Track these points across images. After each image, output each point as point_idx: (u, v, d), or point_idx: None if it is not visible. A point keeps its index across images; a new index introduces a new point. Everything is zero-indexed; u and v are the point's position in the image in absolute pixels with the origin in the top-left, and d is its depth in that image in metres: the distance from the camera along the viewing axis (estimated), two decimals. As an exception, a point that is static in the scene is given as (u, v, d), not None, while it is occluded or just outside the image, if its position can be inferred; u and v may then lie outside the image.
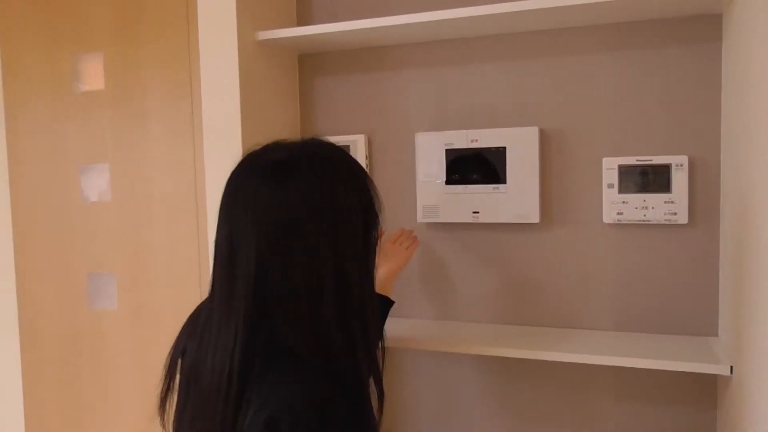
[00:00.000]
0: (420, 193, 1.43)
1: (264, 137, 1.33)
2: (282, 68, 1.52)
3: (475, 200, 1.38)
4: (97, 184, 1.80)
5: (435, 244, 1.47)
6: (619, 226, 1.33)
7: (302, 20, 1.55)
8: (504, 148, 1.36)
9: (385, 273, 1.30)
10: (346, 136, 1.50)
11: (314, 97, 1.57)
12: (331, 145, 0.88)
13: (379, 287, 1.27)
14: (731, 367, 1.13)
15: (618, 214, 1.31)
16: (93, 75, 1.82)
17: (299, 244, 0.79)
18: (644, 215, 1.29)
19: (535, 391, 1.42)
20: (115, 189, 1.78)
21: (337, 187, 0.82)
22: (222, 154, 1.37)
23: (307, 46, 1.50)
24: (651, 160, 1.28)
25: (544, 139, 1.37)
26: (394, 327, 1.42)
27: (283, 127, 1.52)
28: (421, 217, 1.44)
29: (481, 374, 1.46)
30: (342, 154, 0.88)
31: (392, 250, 1.34)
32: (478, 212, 1.38)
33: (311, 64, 1.57)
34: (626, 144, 1.32)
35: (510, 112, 1.40)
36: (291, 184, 0.80)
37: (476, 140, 1.38)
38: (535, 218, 1.35)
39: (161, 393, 0.92)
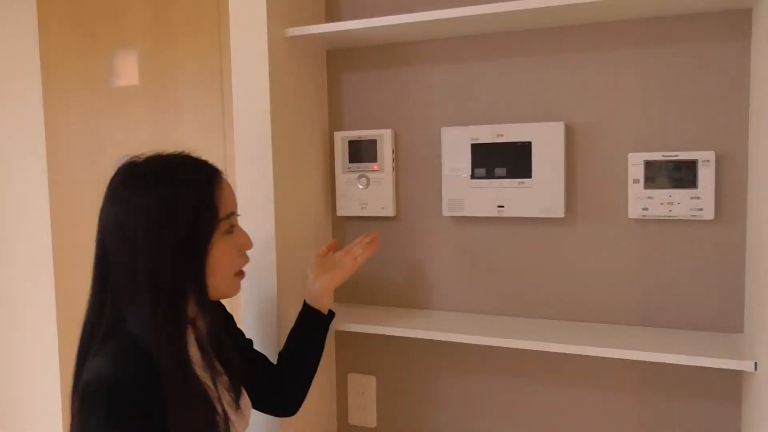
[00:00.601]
0: (445, 186, 1.45)
1: (293, 131, 1.38)
2: (310, 64, 1.55)
3: (500, 194, 1.40)
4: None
5: (460, 238, 1.49)
6: (644, 221, 1.33)
7: (331, 16, 1.58)
8: (530, 142, 1.37)
9: (321, 285, 1.31)
10: (373, 131, 1.53)
11: (342, 92, 1.59)
12: (180, 160, 1.04)
13: (314, 300, 1.32)
14: (755, 363, 1.13)
15: (643, 209, 1.31)
16: (128, 70, 1.87)
17: (121, 236, 0.97)
18: (670, 211, 1.29)
19: (556, 385, 1.43)
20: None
21: (160, 196, 0.98)
22: (252, 147, 1.40)
23: (335, 41, 1.52)
24: (677, 156, 1.28)
25: (570, 134, 1.38)
26: (424, 320, 1.45)
27: (312, 122, 1.54)
28: (446, 211, 1.46)
29: (502, 367, 1.48)
30: (178, 167, 1.03)
31: (334, 261, 1.35)
32: (503, 206, 1.40)
33: (339, 60, 1.59)
34: (652, 139, 1.32)
35: (536, 107, 1.41)
36: (132, 191, 0.99)
37: (502, 135, 1.39)
38: (560, 213, 1.36)
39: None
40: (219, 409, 1.02)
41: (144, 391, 0.92)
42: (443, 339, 1.35)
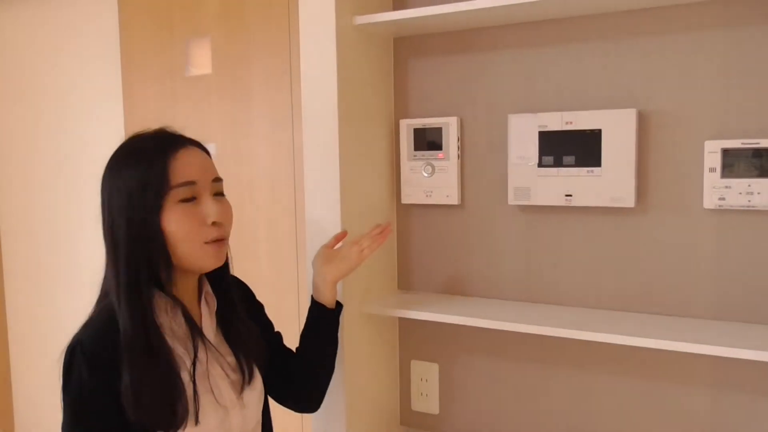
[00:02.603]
0: (512, 175, 1.43)
1: (359, 119, 1.39)
2: (378, 51, 1.55)
3: (568, 183, 1.37)
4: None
5: (526, 227, 1.47)
6: (720, 212, 1.28)
7: (398, 4, 1.58)
8: (599, 130, 1.33)
9: (323, 277, 1.29)
10: (439, 119, 1.52)
11: (408, 79, 1.60)
12: (146, 135, 1.10)
13: (317, 293, 1.31)
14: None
15: (720, 199, 1.26)
16: (201, 59, 1.94)
17: (101, 208, 1.07)
18: (749, 201, 1.24)
19: (620, 378, 1.40)
20: (220, 170, 1.89)
21: (118, 170, 1.06)
22: (319, 135, 1.43)
23: (402, 29, 1.52)
24: (758, 143, 1.22)
25: (642, 121, 1.33)
26: (488, 308, 1.44)
27: (378, 110, 1.55)
28: (512, 199, 1.44)
29: (565, 358, 1.45)
30: (133, 143, 1.09)
31: (341, 254, 1.32)
32: (570, 195, 1.37)
33: (406, 47, 1.59)
34: (730, 126, 1.26)
35: (606, 94, 1.37)
36: (105, 169, 1.09)
37: (571, 122, 1.36)
38: (630, 202, 1.32)
39: None
40: (185, 380, 1.04)
41: (102, 353, 0.99)
42: (506, 329, 1.34)
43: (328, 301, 1.30)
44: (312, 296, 1.33)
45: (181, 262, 1.07)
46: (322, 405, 1.34)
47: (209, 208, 1.07)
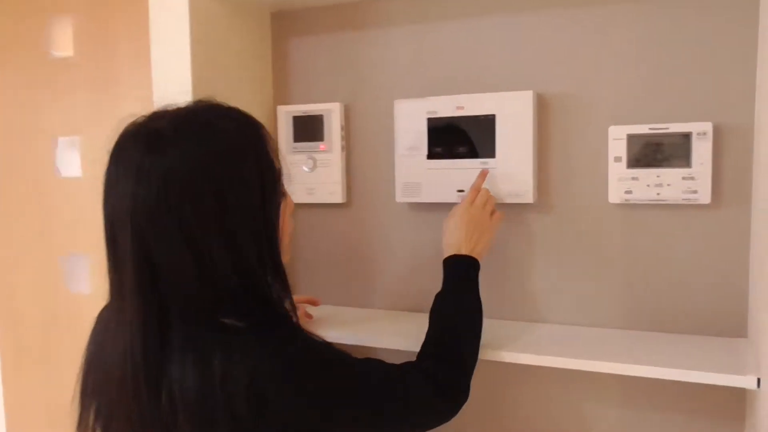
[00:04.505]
0: (399, 168, 1.25)
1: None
2: (251, 28, 1.35)
3: (461, 177, 1.19)
4: (69, 158, 1.69)
5: (416, 228, 1.29)
6: (627, 206, 1.13)
7: (272, -27, 1.38)
8: (493, 116, 1.16)
9: (484, 249, 1.09)
10: (320, 105, 1.33)
11: (288, 60, 1.39)
12: (220, 108, 0.84)
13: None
14: (758, 380, 0.93)
15: (626, 192, 1.10)
16: (63, 41, 1.69)
17: (176, 218, 0.74)
18: (658, 194, 1.08)
19: (521, 395, 1.24)
20: (85, 166, 1.66)
21: (220, 156, 0.77)
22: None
23: (279, 2, 1.32)
24: (667, 128, 1.07)
25: (541, 105, 1.17)
26: (368, 323, 1.26)
27: (253, 96, 1.35)
28: (400, 196, 1.26)
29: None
30: (230, 117, 0.83)
31: (481, 218, 1.09)
32: (463, 190, 1.20)
33: (285, 23, 1.39)
34: (638, 110, 1.11)
35: (502, 74, 1.20)
36: (169, 155, 0.75)
37: (462, 107, 1.19)
38: (529, 198, 1.16)
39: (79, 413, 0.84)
40: None
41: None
42: (398, 348, 1.15)
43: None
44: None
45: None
46: None
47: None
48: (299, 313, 1.20)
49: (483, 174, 1.16)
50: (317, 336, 0.82)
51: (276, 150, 0.86)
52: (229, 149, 0.79)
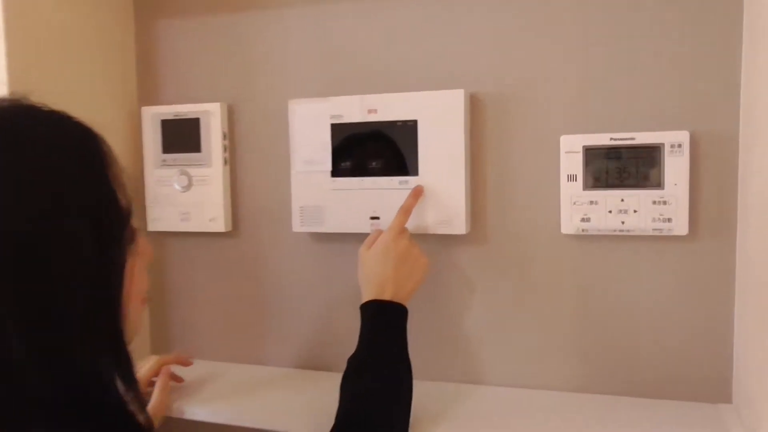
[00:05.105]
0: (296, 189, 0.98)
1: (76, 108, 0.83)
2: (108, 9, 1.04)
3: (375, 200, 0.93)
4: None
5: (321, 263, 1.02)
6: (584, 238, 0.89)
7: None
8: (415, 121, 0.90)
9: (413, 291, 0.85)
10: (196, 105, 1.04)
11: (157, 48, 1.10)
12: (34, 111, 0.58)
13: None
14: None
15: (583, 220, 0.87)
16: None
17: None
18: (622, 222, 0.85)
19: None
20: None
21: (26, 183, 0.52)
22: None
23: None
24: (633, 139, 0.84)
25: (475, 108, 0.92)
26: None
27: (106, 94, 1.05)
28: (298, 225, 0.98)
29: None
30: (48, 125, 0.58)
31: (412, 251, 0.86)
32: (377, 218, 0.93)
33: (152, 4, 1.09)
34: (596, 115, 0.87)
35: (426, 69, 0.94)
36: None
37: (375, 110, 0.92)
38: (461, 228, 0.90)
39: None
40: None
41: None
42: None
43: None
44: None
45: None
46: None
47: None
48: (162, 377, 0.91)
49: (416, 192, 0.90)
50: None
51: (120, 176, 0.61)
52: (41, 172, 0.53)
